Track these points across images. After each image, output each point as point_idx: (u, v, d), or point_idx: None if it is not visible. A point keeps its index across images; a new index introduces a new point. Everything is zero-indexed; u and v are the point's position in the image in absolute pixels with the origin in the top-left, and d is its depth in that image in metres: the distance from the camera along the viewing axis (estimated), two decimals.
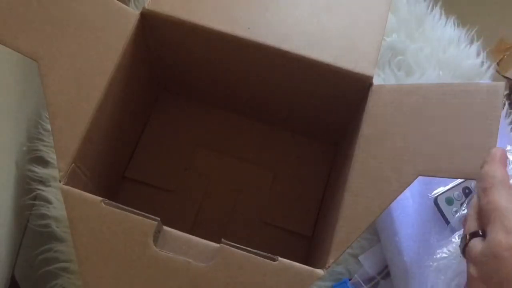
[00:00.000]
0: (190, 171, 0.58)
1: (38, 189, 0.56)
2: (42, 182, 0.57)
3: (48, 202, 0.56)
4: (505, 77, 0.88)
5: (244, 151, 0.59)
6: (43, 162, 0.58)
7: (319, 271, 0.37)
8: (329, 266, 0.38)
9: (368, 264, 0.54)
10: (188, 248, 0.38)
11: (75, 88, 0.41)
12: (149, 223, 0.37)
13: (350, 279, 0.53)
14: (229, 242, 0.37)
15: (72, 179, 0.39)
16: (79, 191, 0.38)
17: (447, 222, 0.50)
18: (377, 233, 0.55)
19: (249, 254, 0.37)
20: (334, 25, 0.47)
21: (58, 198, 0.56)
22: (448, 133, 0.41)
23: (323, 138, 0.59)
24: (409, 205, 0.51)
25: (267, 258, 0.37)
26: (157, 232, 0.37)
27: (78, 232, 0.37)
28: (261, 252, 0.37)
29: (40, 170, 0.57)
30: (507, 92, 0.64)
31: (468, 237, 0.37)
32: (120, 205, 0.37)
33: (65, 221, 0.55)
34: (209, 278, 0.36)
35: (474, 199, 0.38)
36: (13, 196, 0.56)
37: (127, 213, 0.37)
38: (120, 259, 0.37)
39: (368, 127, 0.43)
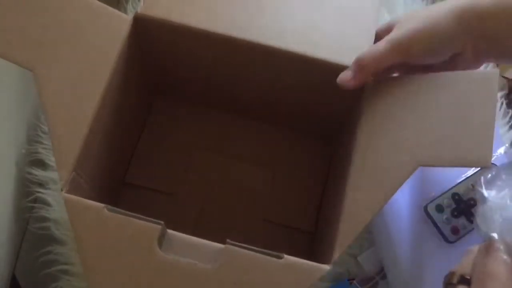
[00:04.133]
0: (189, 173, 0.58)
1: (38, 192, 0.57)
2: (42, 185, 0.57)
3: (48, 204, 0.56)
4: (504, 77, 0.88)
5: (242, 151, 0.59)
6: (42, 164, 0.58)
7: (325, 267, 0.37)
8: (335, 261, 0.38)
9: (367, 264, 0.54)
10: (193, 250, 0.38)
11: (71, 96, 0.41)
12: (153, 227, 0.37)
13: (349, 279, 0.53)
14: (234, 242, 0.37)
15: (73, 187, 0.40)
16: (81, 199, 0.38)
17: (439, 229, 0.49)
18: (372, 237, 0.55)
19: (255, 253, 0.37)
20: (327, 21, 0.47)
21: (57, 200, 0.56)
22: (446, 122, 0.41)
23: (321, 134, 0.59)
24: (402, 214, 0.51)
25: (273, 256, 0.37)
26: (162, 236, 0.38)
27: (83, 240, 0.37)
28: (266, 251, 0.37)
29: (39, 173, 0.57)
30: (506, 92, 0.64)
31: (456, 278, 0.36)
32: (123, 211, 0.38)
33: (65, 224, 0.55)
34: (216, 279, 0.36)
35: (475, 248, 0.37)
36: (12, 198, 0.56)
37: (131, 218, 0.37)
38: (127, 265, 0.37)
39: (366, 121, 0.43)
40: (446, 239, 0.49)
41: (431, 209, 0.50)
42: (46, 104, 0.40)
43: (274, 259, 0.37)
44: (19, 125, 0.58)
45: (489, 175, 0.47)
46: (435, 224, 0.50)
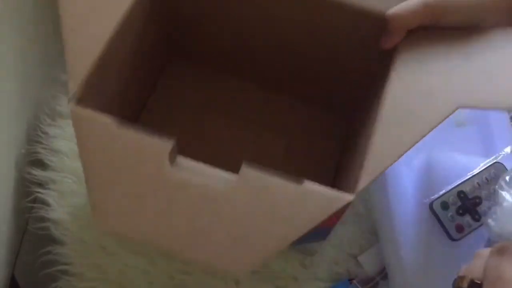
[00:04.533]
0: (199, 137, 0.56)
1: (37, 192, 0.57)
2: (41, 185, 0.57)
3: (47, 204, 0.56)
4: None
5: (255, 119, 0.57)
6: (42, 165, 0.58)
7: (348, 196, 0.34)
8: (359, 191, 0.35)
9: (367, 264, 0.53)
10: (207, 172, 0.35)
11: (91, 13, 0.39)
12: (164, 144, 0.35)
13: (349, 279, 0.53)
14: (250, 164, 0.34)
15: (82, 100, 0.37)
16: (89, 110, 0.35)
17: (444, 227, 0.49)
18: (376, 234, 0.54)
19: (272, 177, 0.34)
20: None
21: (56, 201, 0.56)
22: (485, 69, 0.39)
23: (338, 105, 0.57)
24: (408, 211, 0.50)
25: (292, 181, 0.34)
26: (173, 153, 0.35)
27: (88, 155, 0.34)
28: (285, 174, 0.34)
29: (38, 173, 0.57)
30: None
31: (466, 282, 0.35)
32: (133, 126, 0.35)
33: (64, 224, 0.55)
34: (230, 200, 0.34)
35: (486, 251, 0.36)
36: (12, 198, 0.56)
37: (141, 134, 0.35)
38: (134, 181, 0.34)
39: (402, 64, 0.40)
40: (450, 237, 0.49)
41: (436, 206, 0.50)
42: (64, 17, 0.38)
43: (294, 183, 0.34)
44: (19, 125, 0.58)
45: (507, 176, 0.46)
46: (439, 221, 0.49)
